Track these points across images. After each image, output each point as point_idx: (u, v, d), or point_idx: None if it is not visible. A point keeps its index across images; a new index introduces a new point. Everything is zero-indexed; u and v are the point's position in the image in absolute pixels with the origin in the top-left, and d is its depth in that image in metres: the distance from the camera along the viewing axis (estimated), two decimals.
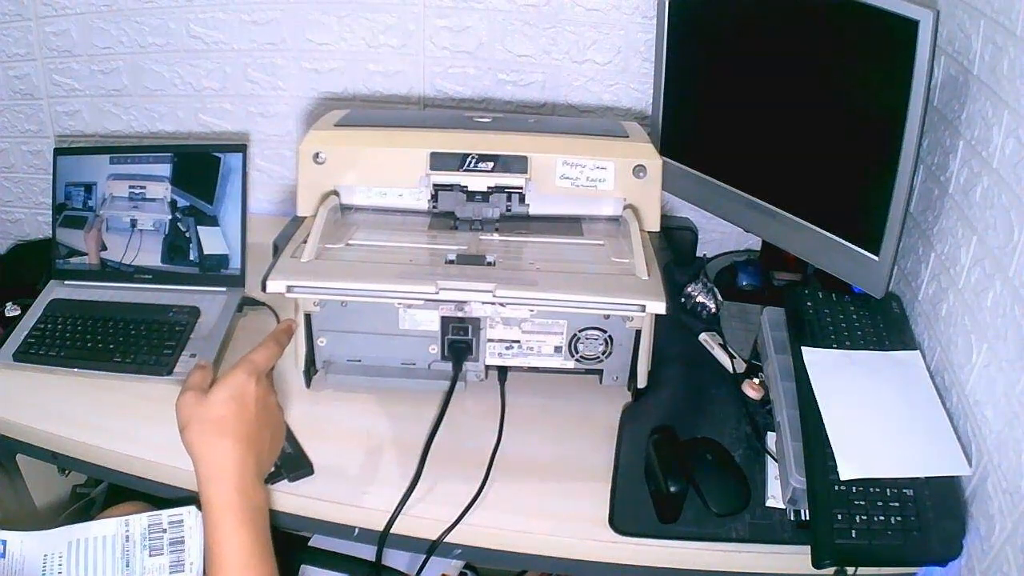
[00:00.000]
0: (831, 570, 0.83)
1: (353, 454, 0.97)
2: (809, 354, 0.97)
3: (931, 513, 0.83)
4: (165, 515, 0.92)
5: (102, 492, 1.34)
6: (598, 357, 1.01)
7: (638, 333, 0.98)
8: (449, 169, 1.04)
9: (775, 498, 0.92)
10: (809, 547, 0.83)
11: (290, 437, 0.98)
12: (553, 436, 1.00)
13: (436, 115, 1.32)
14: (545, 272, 0.94)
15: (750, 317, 1.18)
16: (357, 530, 0.94)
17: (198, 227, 1.23)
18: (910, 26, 0.87)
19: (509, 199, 1.06)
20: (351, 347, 1.02)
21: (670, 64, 1.20)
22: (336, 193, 1.06)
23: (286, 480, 0.93)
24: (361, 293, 0.91)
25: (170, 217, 1.23)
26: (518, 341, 1.01)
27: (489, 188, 1.05)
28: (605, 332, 0.99)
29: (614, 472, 0.95)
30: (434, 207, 1.07)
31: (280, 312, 1.18)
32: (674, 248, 1.30)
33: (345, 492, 0.93)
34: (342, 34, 1.32)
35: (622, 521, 0.90)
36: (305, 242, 0.95)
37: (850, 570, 0.83)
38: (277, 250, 0.99)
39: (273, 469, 0.94)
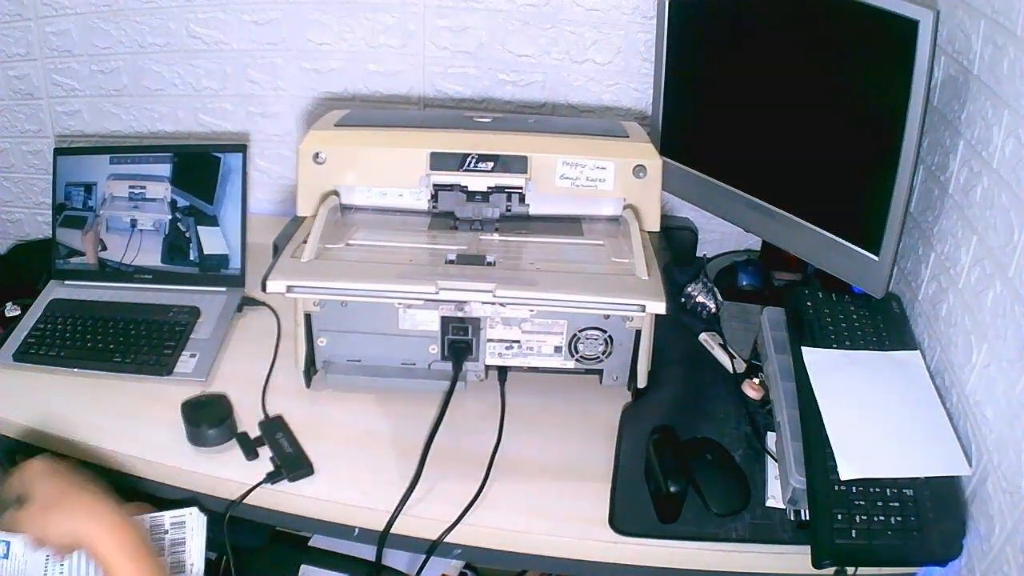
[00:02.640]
0: (831, 570, 0.83)
1: (353, 454, 0.97)
2: (809, 354, 0.97)
3: (931, 513, 0.83)
4: (167, 516, 0.92)
5: None
6: (598, 357, 1.01)
7: (638, 333, 0.99)
8: (449, 169, 1.04)
9: (775, 498, 0.92)
10: (809, 547, 0.83)
11: (290, 437, 0.98)
12: (553, 436, 1.00)
13: (436, 115, 1.32)
14: (545, 272, 0.94)
15: (750, 317, 1.18)
16: (357, 530, 0.94)
17: (198, 227, 1.23)
18: (910, 26, 0.87)
19: (509, 199, 1.06)
20: (351, 347, 1.02)
21: (670, 64, 1.20)
22: (336, 193, 1.06)
23: (286, 480, 0.93)
24: (361, 293, 0.91)
25: (170, 217, 1.23)
26: (518, 341, 1.01)
27: (489, 188, 1.05)
28: (605, 332, 0.99)
29: (614, 472, 0.95)
30: (434, 207, 1.07)
31: (280, 312, 1.18)
32: (674, 248, 1.30)
33: (345, 492, 0.93)
34: (342, 34, 1.32)
35: (622, 521, 0.90)
36: (305, 242, 0.95)
37: (850, 570, 0.83)
38: (277, 250, 0.99)
39: (272, 469, 0.94)
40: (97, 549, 0.77)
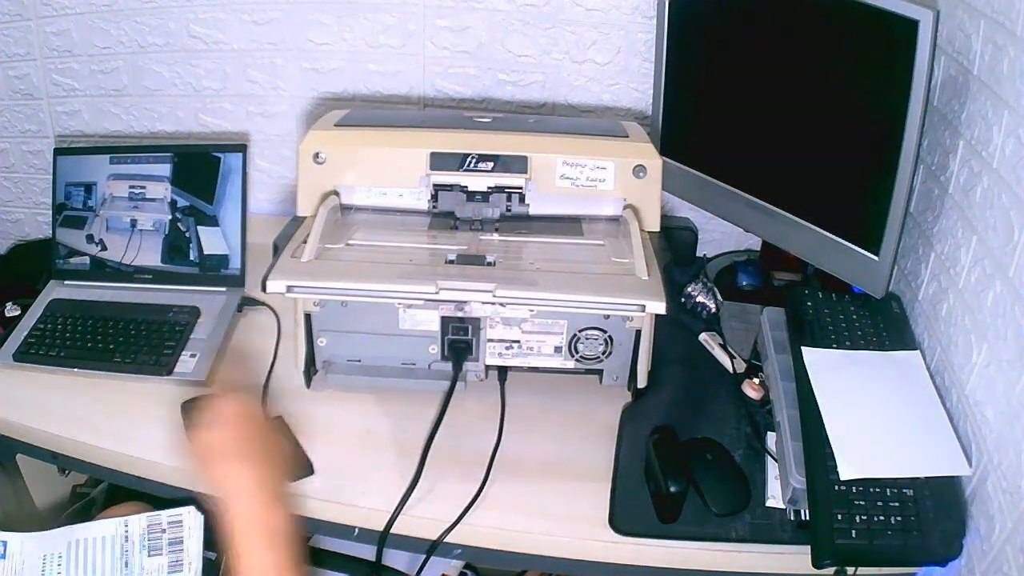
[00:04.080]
0: (831, 570, 0.83)
1: (353, 454, 0.97)
2: (809, 354, 0.97)
3: (931, 513, 0.83)
4: (164, 515, 0.92)
5: (102, 492, 1.34)
6: (598, 357, 1.01)
7: (638, 333, 0.98)
8: (449, 169, 1.04)
9: (775, 498, 0.92)
10: (809, 547, 0.83)
11: (290, 437, 0.98)
12: (553, 436, 1.00)
13: (436, 115, 1.32)
14: (545, 272, 0.94)
15: (750, 317, 1.18)
16: (357, 530, 0.94)
17: (198, 227, 1.23)
18: (910, 26, 0.87)
19: (509, 199, 1.06)
20: (351, 347, 1.02)
21: (670, 64, 1.20)
22: (336, 193, 1.06)
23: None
24: (361, 293, 0.91)
25: (170, 217, 1.23)
26: (518, 341, 1.01)
27: (489, 188, 1.05)
28: (605, 332, 0.99)
29: (614, 472, 0.95)
30: (434, 207, 1.07)
31: (280, 312, 1.18)
32: (674, 248, 1.30)
33: (345, 492, 0.93)
34: (342, 34, 1.32)
35: (622, 521, 0.90)
36: (305, 242, 0.95)
37: (850, 570, 0.83)
38: (277, 250, 0.99)
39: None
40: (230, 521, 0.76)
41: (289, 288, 0.90)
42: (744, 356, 1.12)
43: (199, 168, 1.23)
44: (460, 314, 0.97)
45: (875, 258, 1.00)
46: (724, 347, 1.14)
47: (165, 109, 1.41)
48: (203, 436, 0.80)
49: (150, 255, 1.24)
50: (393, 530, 0.90)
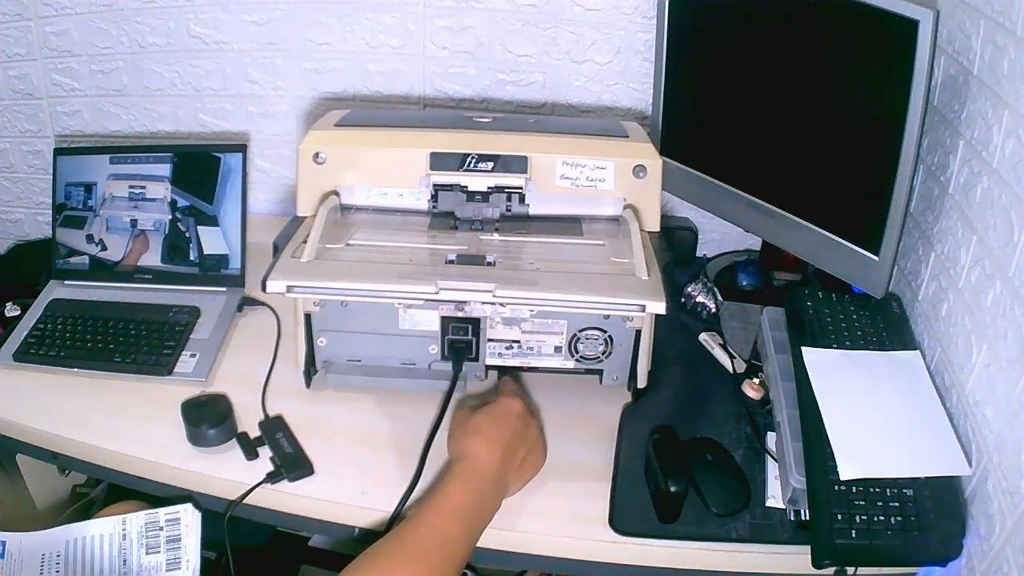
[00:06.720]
0: (831, 570, 0.83)
1: (353, 454, 0.97)
2: (809, 354, 0.97)
3: (931, 513, 0.83)
4: (162, 513, 0.92)
5: (102, 492, 1.34)
6: (598, 357, 1.01)
7: (638, 333, 0.98)
8: (449, 169, 1.04)
9: (775, 498, 0.92)
10: (809, 547, 0.83)
11: (290, 437, 0.98)
12: (553, 436, 1.00)
13: (436, 115, 1.32)
14: (545, 272, 0.94)
15: (750, 317, 1.18)
16: (357, 530, 0.94)
17: (198, 227, 1.23)
18: (910, 26, 0.87)
19: (509, 199, 1.06)
20: (351, 347, 1.02)
21: (670, 64, 1.20)
22: (336, 193, 1.06)
23: (286, 480, 0.93)
24: (361, 293, 0.91)
25: (170, 217, 1.23)
26: (518, 341, 1.01)
27: (489, 188, 1.05)
28: (605, 332, 0.99)
29: (614, 472, 0.95)
30: (434, 207, 1.07)
31: (280, 312, 1.18)
32: (674, 248, 1.30)
33: (345, 492, 0.93)
34: (342, 34, 1.32)
35: (622, 521, 0.90)
36: (305, 242, 0.95)
37: (850, 570, 0.83)
38: (277, 250, 0.99)
39: (272, 469, 0.94)
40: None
41: (289, 288, 0.90)
42: (744, 356, 1.12)
43: (199, 168, 1.23)
44: (460, 314, 0.97)
45: (875, 258, 1.00)
46: (724, 347, 1.14)
47: (165, 109, 1.41)
48: (469, 412, 0.92)
49: (150, 255, 1.23)
50: None
